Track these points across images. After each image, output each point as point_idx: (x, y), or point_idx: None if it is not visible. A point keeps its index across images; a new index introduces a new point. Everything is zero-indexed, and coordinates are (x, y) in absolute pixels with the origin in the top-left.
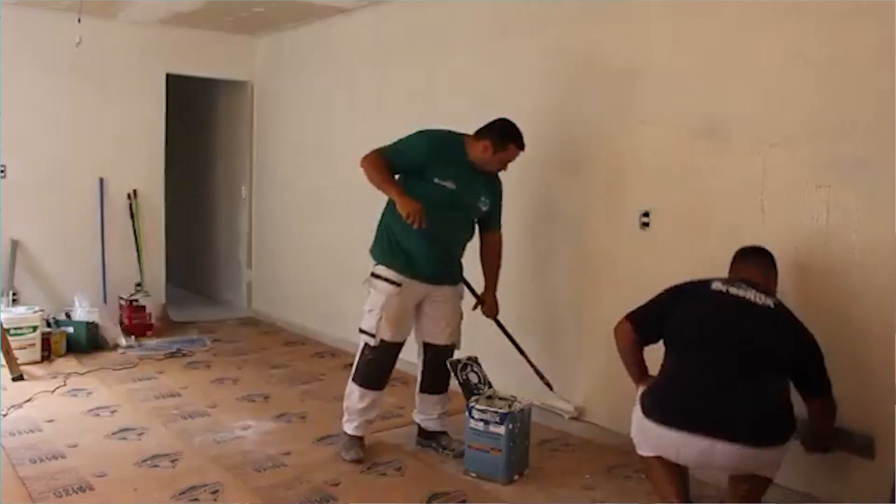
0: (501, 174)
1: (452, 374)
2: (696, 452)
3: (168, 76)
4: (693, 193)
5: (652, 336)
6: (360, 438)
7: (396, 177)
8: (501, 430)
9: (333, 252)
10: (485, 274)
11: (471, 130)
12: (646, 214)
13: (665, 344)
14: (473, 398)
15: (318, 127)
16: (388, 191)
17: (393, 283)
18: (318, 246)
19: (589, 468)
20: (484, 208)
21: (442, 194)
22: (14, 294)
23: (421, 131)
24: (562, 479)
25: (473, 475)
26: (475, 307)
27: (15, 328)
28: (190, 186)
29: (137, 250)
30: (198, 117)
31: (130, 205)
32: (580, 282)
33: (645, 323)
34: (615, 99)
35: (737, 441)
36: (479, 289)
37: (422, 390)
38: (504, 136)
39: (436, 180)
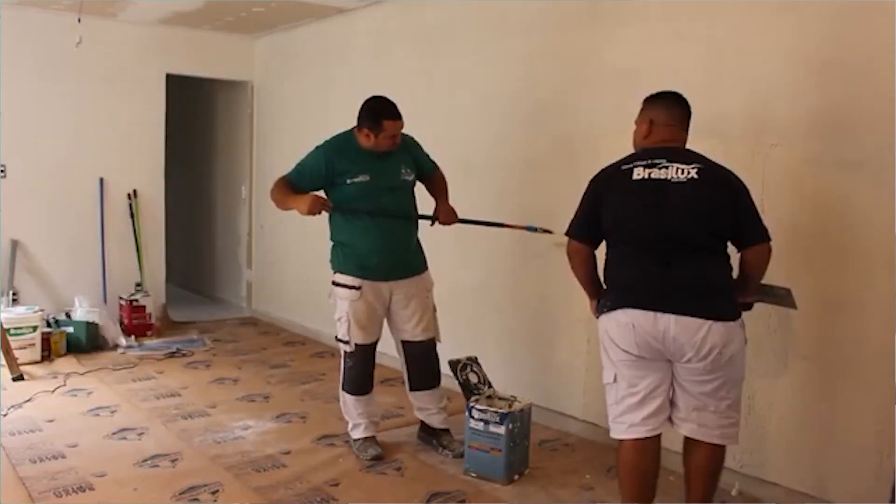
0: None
1: (452, 375)
2: (649, 329)
3: (168, 76)
4: None
5: (596, 237)
6: (373, 437)
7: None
8: (501, 430)
9: None
10: (433, 196)
11: (471, 129)
12: None
13: (605, 241)
14: (473, 398)
15: (317, 127)
16: (288, 203)
17: (352, 287)
18: (317, 245)
19: (589, 468)
20: (410, 178)
21: (362, 191)
22: (14, 294)
23: (316, 146)
24: (562, 479)
25: (473, 475)
26: (432, 224)
27: (15, 328)
28: (190, 186)
29: (137, 250)
30: (198, 117)
31: (130, 205)
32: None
33: (585, 229)
34: (615, 99)
35: (684, 313)
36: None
37: (411, 388)
38: (375, 117)
39: (348, 181)
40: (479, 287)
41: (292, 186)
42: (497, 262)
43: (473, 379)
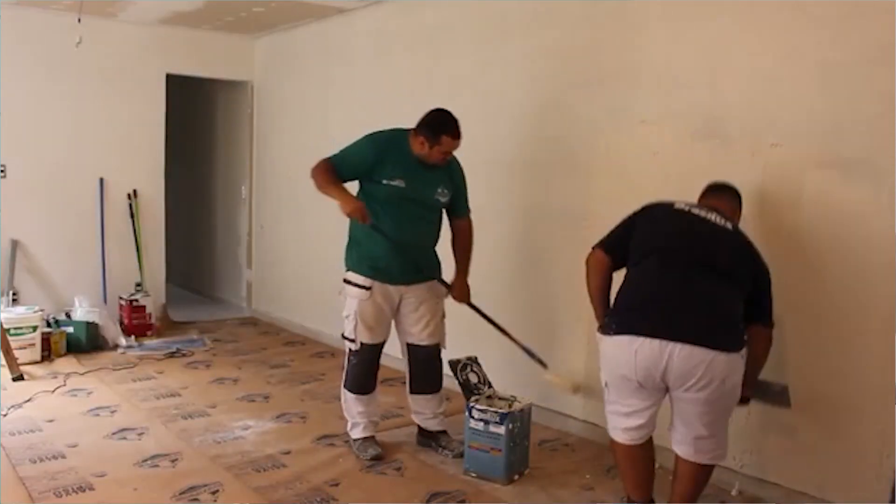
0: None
1: (452, 375)
2: (653, 356)
3: (168, 76)
4: (693, 193)
5: (621, 257)
6: (372, 437)
7: (354, 184)
8: (501, 430)
9: (333, 251)
10: (455, 260)
11: (470, 130)
12: None
13: (628, 261)
14: (473, 398)
15: (317, 127)
16: (330, 192)
17: (363, 287)
18: (317, 245)
19: (589, 468)
20: (443, 199)
21: (393, 194)
22: (14, 294)
23: (367, 135)
24: (562, 479)
25: (473, 475)
26: (447, 294)
27: (15, 328)
28: (190, 186)
29: (137, 250)
30: (198, 117)
31: (130, 205)
32: (579, 282)
33: (614, 245)
34: (615, 99)
35: (690, 342)
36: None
37: (412, 391)
38: (436, 129)
39: (384, 181)
40: (480, 287)
41: (335, 172)
42: (498, 263)
43: (473, 379)
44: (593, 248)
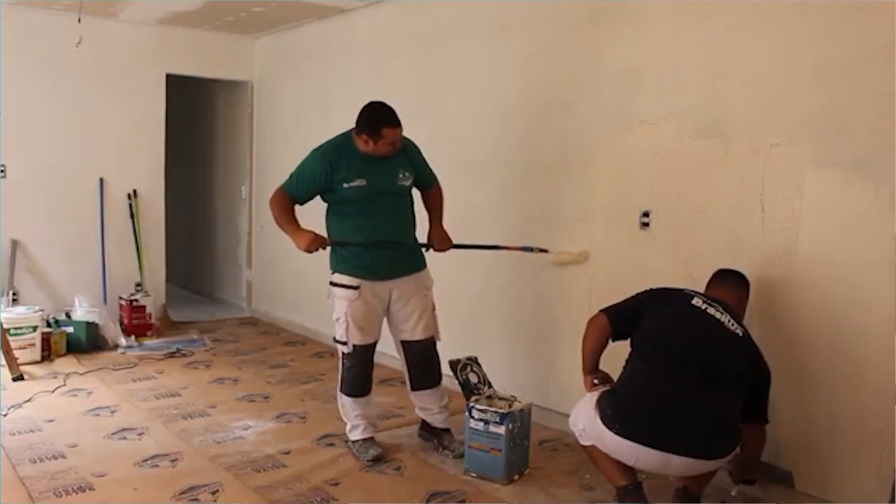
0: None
1: (452, 375)
2: (654, 463)
3: (168, 76)
4: (693, 193)
5: (623, 334)
6: (372, 438)
7: (324, 203)
8: (501, 430)
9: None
10: (428, 214)
11: (470, 130)
12: (646, 214)
13: (632, 344)
14: (473, 398)
15: (317, 127)
16: (286, 230)
17: (350, 287)
18: None
19: (589, 468)
20: (407, 182)
21: (359, 194)
22: (14, 294)
23: (313, 150)
24: (562, 479)
25: (473, 475)
26: (427, 250)
27: (15, 328)
28: (190, 186)
29: (137, 250)
30: (198, 117)
31: (130, 205)
32: (578, 285)
33: (621, 320)
34: (615, 99)
35: (692, 455)
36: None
37: (413, 388)
38: (373, 124)
39: (345, 185)
40: (479, 286)
41: (291, 199)
42: (496, 262)
43: (473, 379)
44: (598, 312)
